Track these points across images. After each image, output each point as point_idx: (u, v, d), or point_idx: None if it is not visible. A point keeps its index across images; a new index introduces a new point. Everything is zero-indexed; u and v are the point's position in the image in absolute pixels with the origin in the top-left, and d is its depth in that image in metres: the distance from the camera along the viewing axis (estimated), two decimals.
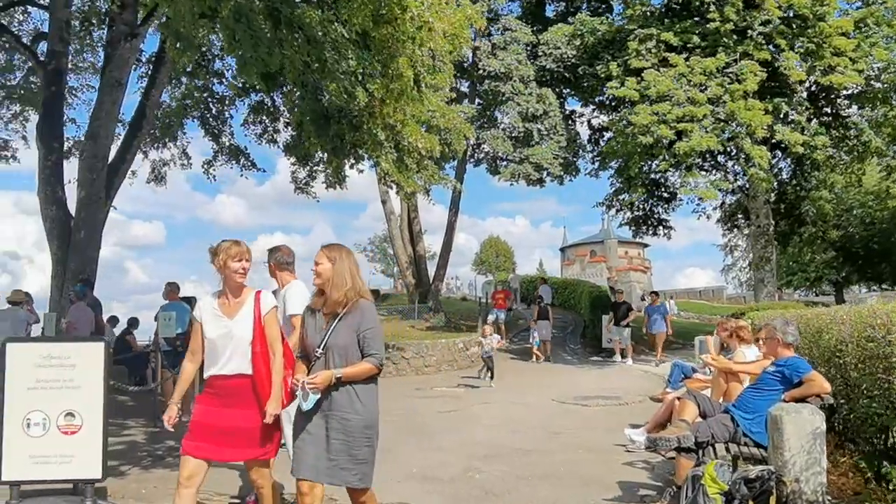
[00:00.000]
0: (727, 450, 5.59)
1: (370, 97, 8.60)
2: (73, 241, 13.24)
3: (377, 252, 56.41)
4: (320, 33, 8.51)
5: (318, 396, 3.73)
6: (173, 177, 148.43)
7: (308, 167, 21.31)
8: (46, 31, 15.58)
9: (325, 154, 9.08)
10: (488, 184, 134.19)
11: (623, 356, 17.88)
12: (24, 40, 16.80)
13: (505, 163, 20.10)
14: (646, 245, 74.32)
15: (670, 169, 18.02)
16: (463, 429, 9.45)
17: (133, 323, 14.52)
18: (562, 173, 20.33)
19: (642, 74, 16.68)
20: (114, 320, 15.40)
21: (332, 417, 3.77)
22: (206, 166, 18.52)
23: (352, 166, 9.58)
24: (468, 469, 7.01)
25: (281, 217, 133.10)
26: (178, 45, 9.66)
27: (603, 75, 17.96)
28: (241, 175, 18.44)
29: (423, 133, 10.91)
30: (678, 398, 7.11)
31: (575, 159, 21.44)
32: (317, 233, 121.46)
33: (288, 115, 13.16)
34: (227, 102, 17.86)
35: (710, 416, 5.87)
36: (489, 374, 14.33)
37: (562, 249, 76.26)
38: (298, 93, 8.67)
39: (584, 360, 19.24)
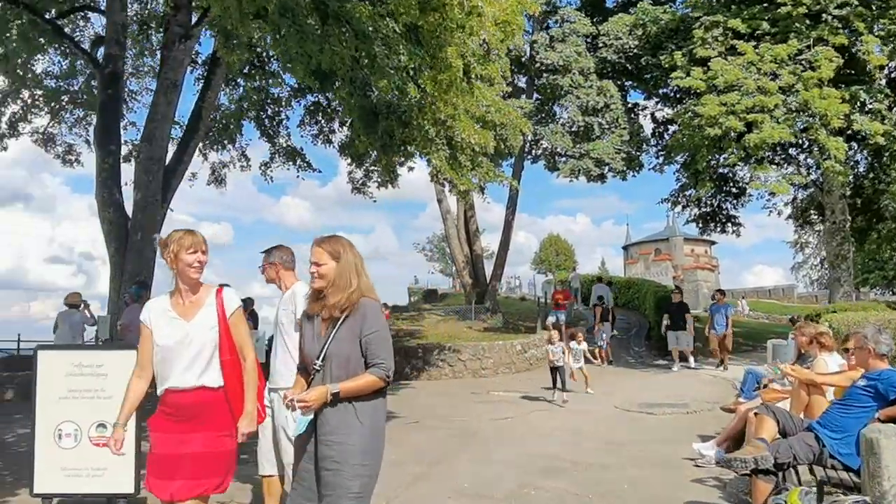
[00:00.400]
0: (812, 472, 5.00)
1: (421, 92, 8.24)
2: (131, 243, 13.31)
3: (435, 251, 56.22)
4: (370, 28, 8.20)
5: (310, 418, 3.11)
6: (239, 180, 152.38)
7: (364, 167, 21.24)
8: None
9: (376, 153, 8.74)
10: (547, 181, 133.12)
11: (683, 359, 17.05)
12: (85, 45, 17.09)
13: (564, 158, 19.46)
14: (713, 242, 72.13)
15: (739, 163, 17.14)
16: (519, 439, 8.99)
17: None
18: (624, 168, 19.55)
19: (709, 64, 15.87)
20: None
21: (325, 443, 3.12)
22: (263, 168, 18.56)
23: (401, 164, 9.21)
24: (524, 485, 6.55)
25: (343, 218, 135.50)
26: (227, 44, 9.54)
27: (667, 66, 17.17)
28: (298, 176, 18.39)
29: (476, 128, 10.49)
30: (754, 412, 6.51)
31: (638, 154, 20.62)
32: (378, 233, 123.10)
33: (342, 115, 12.91)
34: (282, 104, 17.83)
35: (791, 433, 5.28)
36: (560, 388, 11.92)
37: (625, 248, 74.71)
38: (347, 89, 8.35)
39: (648, 363, 18.47)
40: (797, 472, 4.99)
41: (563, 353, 11.99)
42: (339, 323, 3.20)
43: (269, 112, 16.78)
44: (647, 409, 11.11)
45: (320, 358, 3.20)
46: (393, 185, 11.69)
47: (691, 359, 16.51)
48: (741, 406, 7.76)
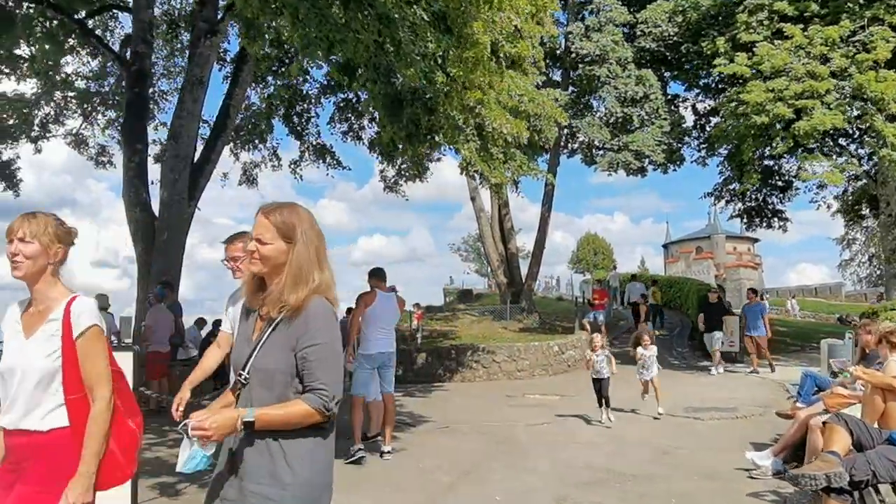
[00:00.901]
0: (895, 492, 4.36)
1: (448, 79, 7.73)
2: (157, 243, 13.08)
3: (470, 251, 55.61)
4: (396, 15, 7.73)
5: (210, 453, 2.24)
6: (277, 183, 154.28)
7: (396, 165, 20.84)
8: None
9: (402, 144, 8.26)
10: (585, 179, 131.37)
11: (728, 359, 16.20)
12: (115, 45, 16.97)
13: (602, 152, 18.76)
14: (756, 240, 70.34)
15: (787, 153, 16.28)
16: (556, 446, 8.41)
17: (219, 325, 14.26)
18: (665, 161, 18.75)
19: (753, 49, 15.06)
20: (201, 322, 15.26)
21: (244, 492, 2.25)
22: (293, 166, 18.26)
23: (429, 156, 8.71)
24: (561, 499, 5.99)
25: (379, 219, 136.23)
26: (249, 34, 9.16)
27: (708, 52, 16.38)
28: (328, 174, 18.06)
29: (507, 117, 9.94)
30: (819, 419, 5.85)
31: (679, 146, 19.79)
32: (414, 234, 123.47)
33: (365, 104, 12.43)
34: (312, 101, 17.49)
35: (867, 446, 4.63)
36: (603, 406, 9.99)
37: (665, 246, 73.26)
38: (370, 76, 7.87)
39: (692, 365, 17.65)
40: (877, 492, 4.35)
41: (608, 361, 10.03)
42: (274, 325, 2.35)
43: (298, 109, 16.43)
44: (695, 414, 10.44)
45: (246, 369, 2.35)
46: (421, 178, 11.24)
47: (716, 363, 15.35)
48: (800, 412, 7.08)
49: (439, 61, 8.52)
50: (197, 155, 14.46)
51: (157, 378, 10.82)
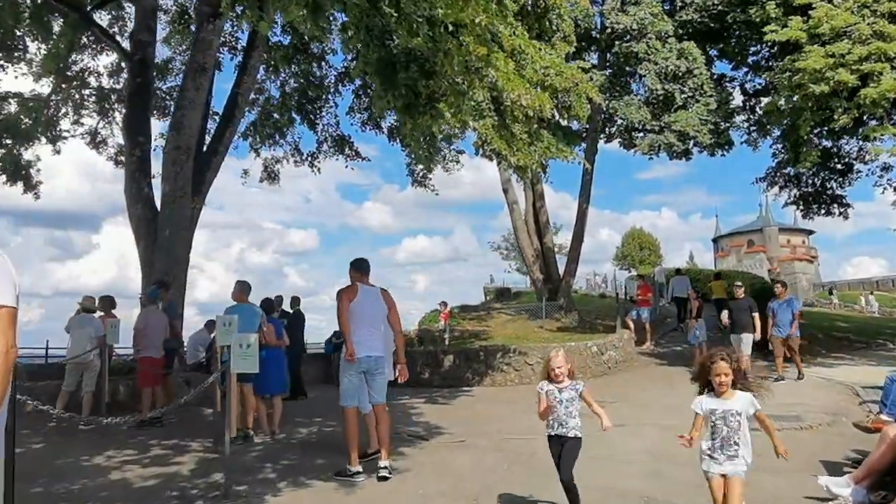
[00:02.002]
0: None
1: (447, 34, 6.54)
2: (158, 240, 12.23)
3: (511, 249, 54.07)
4: None
5: None
6: (322, 186, 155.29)
7: (410, 149, 19.76)
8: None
9: (400, 116, 7.11)
10: (631, 176, 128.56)
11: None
12: (121, 37, 16.23)
13: (642, 134, 17.27)
14: (810, 232, 67.65)
15: (846, 135, 14.65)
16: (587, 466, 7.12)
17: None
18: (711, 141, 17.15)
19: (810, 11, 13.46)
20: (210, 325, 14.38)
21: None
22: (309, 158, 17.26)
23: (430, 130, 7.48)
24: None
25: (422, 220, 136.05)
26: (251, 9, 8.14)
27: (758, 20, 14.78)
28: (347, 166, 17.03)
29: (527, 87, 8.71)
30: None
31: (728, 125, 18.12)
32: (457, 234, 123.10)
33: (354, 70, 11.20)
34: (327, 89, 16.49)
35: None
36: None
37: (714, 240, 70.97)
38: (361, 38, 6.75)
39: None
40: None
41: (581, 402, 5.72)
42: None
43: (312, 96, 15.41)
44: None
45: None
46: (432, 164, 10.05)
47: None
48: (887, 427, 5.72)
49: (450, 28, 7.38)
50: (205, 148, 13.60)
51: (149, 386, 9.88)
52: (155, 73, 17.78)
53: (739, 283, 14.28)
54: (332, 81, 16.39)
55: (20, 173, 17.93)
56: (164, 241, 12.12)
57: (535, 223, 22.22)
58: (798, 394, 11.53)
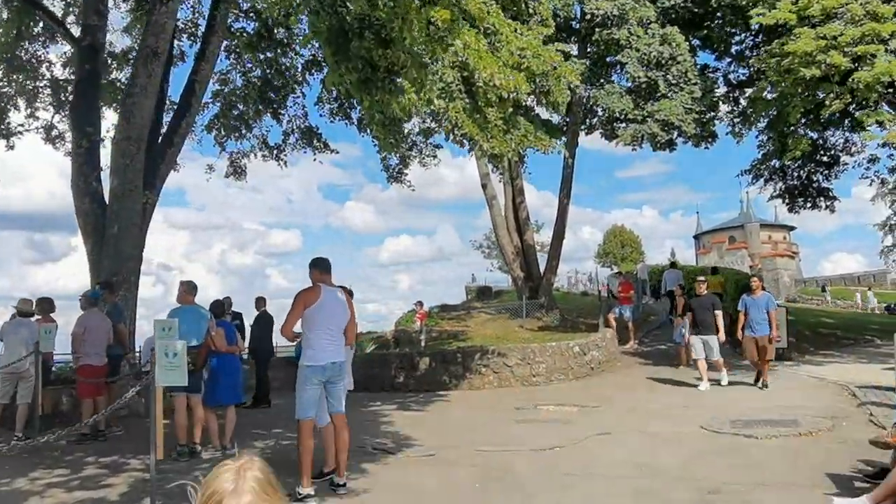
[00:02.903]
0: None
1: None
2: (106, 237, 11.32)
3: (493, 248, 53.25)
4: None
5: None
6: (305, 185, 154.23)
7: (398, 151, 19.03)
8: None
9: (356, 94, 6.31)
10: (612, 174, 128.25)
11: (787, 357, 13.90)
12: (77, 26, 15.22)
13: (624, 124, 16.54)
14: (791, 228, 67.69)
15: (832, 127, 14.03)
16: (567, 483, 6.37)
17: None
18: (696, 131, 16.46)
19: None
20: None
21: None
22: (275, 151, 16.35)
23: (389, 109, 6.65)
24: None
25: (406, 220, 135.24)
26: None
27: (743, 3, 14.11)
28: (315, 159, 16.15)
29: (500, 66, 7.95)
30: None
31: (713, 114, 17.44)
32: (440, 233, 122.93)
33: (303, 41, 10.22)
34: (294, 77, 15.61)
35: None
36: None
37: (696, 237, 70.72)
38: (311, 4, 5.94)
39: (734, 365, 15.45)
40: None
41: None
42: None
43: (276, 84, 14.49)
44: (745, 430, 8.32)
45: None
46: (396, 149, 9.22)
47: (724, 373, 11.84)
48: None
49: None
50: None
51: (89, 396, 8.98)
52: (113, 63, 16.89)
53: (703, 278, 13.33)
54: (300, 70, 15.50)
55: None
56: (112, 238, 11.21)
57: (514, 220, 21.47)
58: (792, 395, 10.87)
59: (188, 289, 8.21)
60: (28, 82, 17.16)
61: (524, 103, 11.29)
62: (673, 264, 24.57)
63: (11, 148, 17.97)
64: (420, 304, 17.02)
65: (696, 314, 11.91)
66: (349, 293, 6.69)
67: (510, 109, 9.26)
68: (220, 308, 8.67)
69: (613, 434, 8.40)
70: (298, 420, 6.04)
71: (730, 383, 11.79)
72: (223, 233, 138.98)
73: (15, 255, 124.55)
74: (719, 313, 11.77)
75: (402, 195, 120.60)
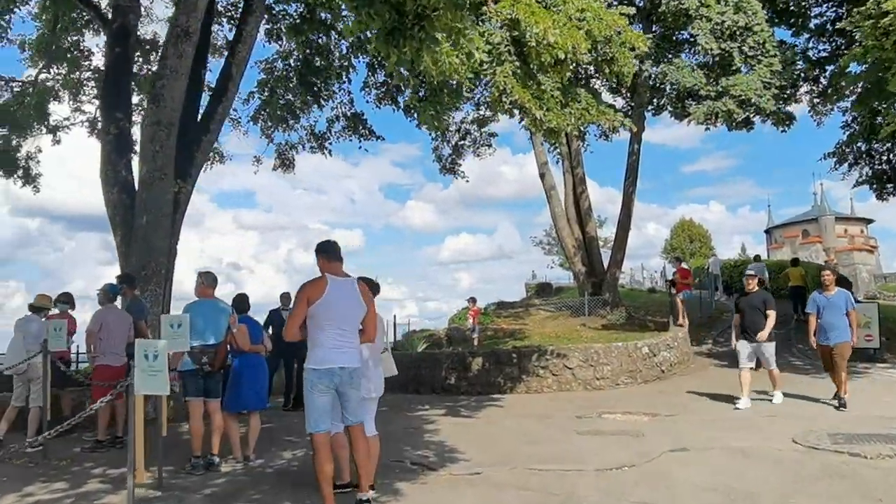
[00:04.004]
0: None
1: None
2: (135, 228, 10.64)
3: (554, 244, 51.68)
4: None
5: None
6: (367, 185, 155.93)
7: (447, 139, 18.12)
8: None
9: (382, 48, 5.28)
10: (676, 169, 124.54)
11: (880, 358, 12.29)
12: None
13: (696, 101, 15.02)
14: (869, 221, 64.06)
15: None
16: None
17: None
18: (776, 108, 14.81)
19: None
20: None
21: None
22: (319, 141, 15.51)
23: (420, 65, 5.58)
24: None
25: (465, 218, 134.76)
26: None
27: None
28: (360, 147, 15.24)
29: (552, 19, 6.81)
30: None
31: (794, 91, 15.69)
32: (500, 231, 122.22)
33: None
34: (340, 61, 14.72)
35: None
36: None
37: (767, 231, 67.55)
38: None
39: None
40: None
41: None
42: None
43: (320, 66, 13.56)
44: (850, 446, 6.97)
45: None
46: (437, 124, 8.15)
47: (778, 393, 9.98)
48: None
49: None
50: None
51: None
52: (151, 51, 16.39)
53: (751, 272, 10.49)
54: (345, 52, 14.60)
55: (15, 164, 16.69)
56: (141, 229, 10.51)
57: (575, 211, 20.15)
58: (892, 404, 9.42)
59: (206, 281, 7.33)
60: (72, 75, 16.87)
61: (584, 73, 10.13)
62: (756, 257, 23.05)
63: (58, 142, 17.76)
64: (473, 300, 15.90)
65: (746, 315, 9.93)
66: (371, 284, 5.66)
67: (568, 75, 8.10)
68: (244, 302, 7.78)
69: (693, 450, 7.16)
70: (310, 434, 5.07)
71: (801, 397, 10.24)
72: (289, 233, 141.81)
73: (91, 257, 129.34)
74: (772, 314, 9.81)
75: (462, 194, 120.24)
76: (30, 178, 17.16)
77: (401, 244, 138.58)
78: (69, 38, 15.58)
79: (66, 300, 9.18)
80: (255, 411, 7.50)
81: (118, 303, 8.96)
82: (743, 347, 9.86)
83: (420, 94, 7.72)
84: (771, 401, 9.88)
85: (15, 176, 16.86)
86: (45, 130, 17.71)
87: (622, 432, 8.27)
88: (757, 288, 10.11)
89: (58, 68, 16.48)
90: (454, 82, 7.52)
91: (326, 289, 5.02)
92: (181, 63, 11.00)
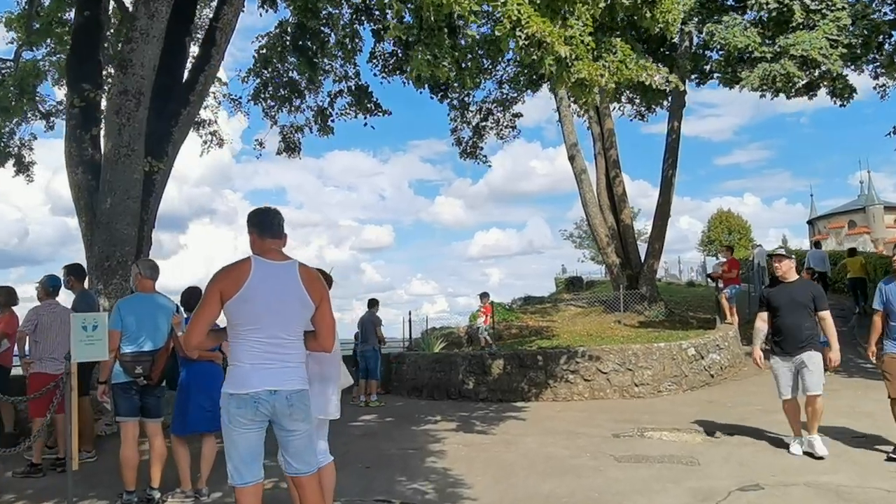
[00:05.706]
0: None
1: None
2: (99, 212, 9.22)
3: (584, 237, 49.58)
4: None
5: None
6: (396, 181, 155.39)
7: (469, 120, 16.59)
8: None
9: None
10: (710, 162, 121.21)
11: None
12: None
13: (749, 65, 13.06)
14: None
15: None
16: None
17: None
18: (842, 70, 12.77)
19: None
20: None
21: None
22: (318, 116, 13.95)
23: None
24: None
25: (495, 214, 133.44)
26: None
27: None
28: (366, 125, 13.63)
29: None
30: None
31: (865, 51, 13.55)
32: (531, 227, 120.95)
33: None
34: (342, 29, 13.14)
35: None
36: None
37: (810, 222, 64.92)
38: None
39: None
40: None
41: None
42: None
43: (312, 27, 11.96)
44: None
45: None
46: (436, 71, 6.53)
47: (818, 438, 6.40)
48: None
49: None
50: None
51: (40, 416, 6.72)
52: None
53: (783, 252, 7.00)
54: (347, 21, 13.01)
55: (6, 152, 15.51)
56: (105, 214, 9.07)
57: (608, 196, 18.34)
58: None
59: (145, 271, 5.83)
60: (58, 54, 15.59)
61: (619, 23, 8.46)
62: (817, 243, 21.17)
63: (52, 128, 16.58)
64: (486, 295, 14.06)
65: (783, 316, 6.55)
66: (322, 276, 4.03)
67: (600, 10, 6.42)
68: (195, 297, 6.21)
69: (768, 488, 5.46)
70: (233, 488, 3.51)
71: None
72: (320, 230, 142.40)
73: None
74: (827, 316, 6.51)
75: (492, 189, 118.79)
76: (23, 167, 15.99)
77: (430, 239, 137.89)
78: (53, 15, 14.22)
79: (7, 298, 7.76)
80: (208, 434, 5.93)
81: (62, 298, 7.52)
82: (781, 368, 6.59)
83: (414, 35, 6.10)
84: (812, 453, 6.36)
85: (6, 164, 15.76)
86: (38, 116, 16.59)
87: (671, 458, 6.56)
88: (796, 276, 6.80)
89: (43, 46, 15.21)
90: (458, 15, 5.91)
91: (249, 277, 3.43)
92: (153, 24, 9.53)
